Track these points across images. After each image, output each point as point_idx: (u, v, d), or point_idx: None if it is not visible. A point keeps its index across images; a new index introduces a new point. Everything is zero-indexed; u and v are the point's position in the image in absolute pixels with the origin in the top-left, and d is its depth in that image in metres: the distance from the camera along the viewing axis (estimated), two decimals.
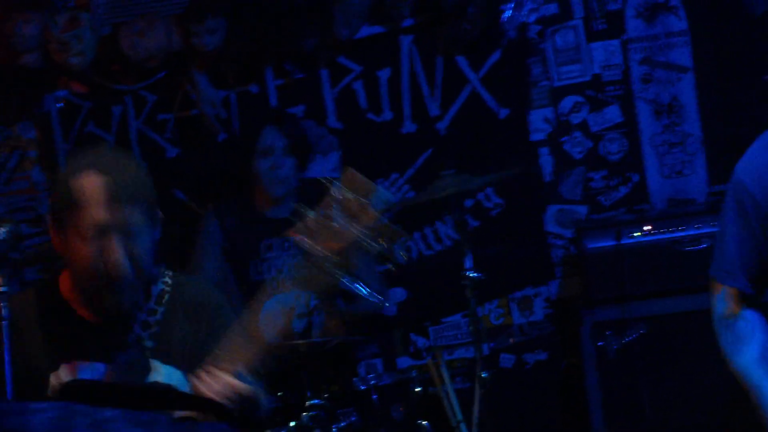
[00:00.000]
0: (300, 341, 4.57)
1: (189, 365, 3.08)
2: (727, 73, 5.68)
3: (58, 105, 5.90)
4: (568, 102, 5.78)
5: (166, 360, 3.18)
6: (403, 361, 5.91)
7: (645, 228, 5.25)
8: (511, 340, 5.89)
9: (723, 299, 3.19)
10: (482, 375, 4.39)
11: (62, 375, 3.08)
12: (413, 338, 5.94)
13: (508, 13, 5.73)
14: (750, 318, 3.16)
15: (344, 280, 3.02)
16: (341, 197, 2.98)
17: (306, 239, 3.09)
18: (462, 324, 5.85)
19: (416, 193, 5.79)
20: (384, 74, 5.83)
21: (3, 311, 2.96)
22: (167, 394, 2.92)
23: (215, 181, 5.71)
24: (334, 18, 5.69)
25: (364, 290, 4.23)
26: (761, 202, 3.07)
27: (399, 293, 5.84)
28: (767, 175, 3.07)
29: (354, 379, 4.52)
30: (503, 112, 5.79)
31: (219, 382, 2.92)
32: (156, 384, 3.08)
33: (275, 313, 4.98)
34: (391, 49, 5.82)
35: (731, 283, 3.15)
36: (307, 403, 4.26)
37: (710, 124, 5.72)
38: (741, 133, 5.55)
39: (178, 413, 2.94)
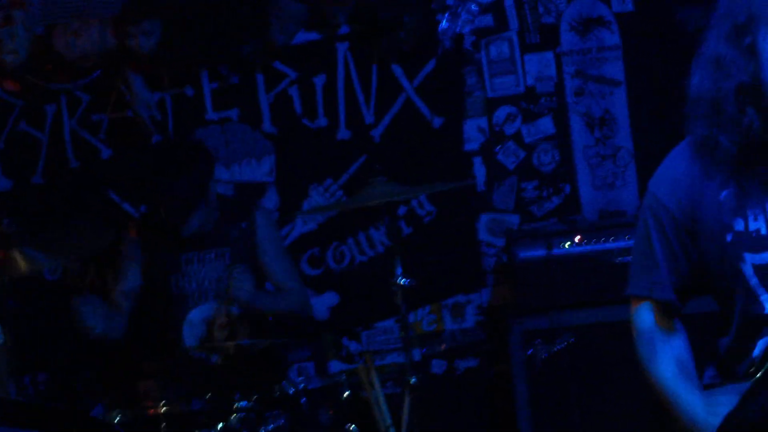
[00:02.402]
0: (229, 343, 4.57)
1: None
2: (658, 88, 5.74)
3: None
4: (501, 113, 5.83)
5: None
6: (335, 365, 5.92)
7: (575, 238, 5.29)
8: (442, 347, 5.92)
9: (645, 314, 3.20)
10: (411, 381, 4.39)
11: None
12: (345, 342, 5.95)
13: (443, 24, 5.77)
14: (671, 332, 3.18)
15: None
16: None
17: None
18: (394, 329, 5.87)
19: (348, 199, 5.81)
20: (319, 80, 5.84)
21: None
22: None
23: (148, 183, 5.69)
24: (271, 23, 5.69)
25: None
26: (677, 215, 3.08)
27: (331, 298, 5.86)
28: (681, 189, 3.07)
29: (283, 382, 4.52)
30: (437, 121, 5.82)
31: None
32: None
33: (197, 323, 5.02)
34: (326, 56, 5.83)
35: (656, 296, 3.16)
36: (236, 405, 4.25)
37: (641, 138, 5.78)
38: (672, 147, 5.63)
39: None
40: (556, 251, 5.26)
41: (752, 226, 2.98)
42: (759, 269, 2.98)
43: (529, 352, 5.22)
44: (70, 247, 4.80)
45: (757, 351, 3.02)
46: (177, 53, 5.78)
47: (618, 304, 4.99)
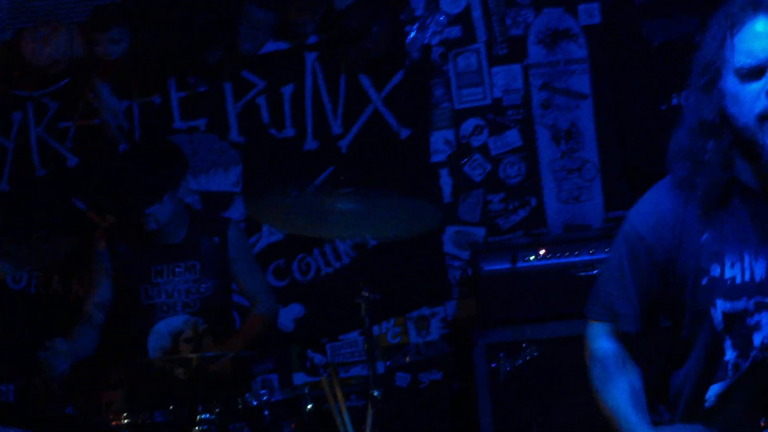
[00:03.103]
0: (192, 355, 4.56)
1: None
2: (624, 102, 5.78)
3: None
4: (469, 125, 5.84)
5: None
6: (300, 377, 5.92)
7: (540, 252, 5.31)
8: (407, 359, 5.92)
9: (604, 340, 3.21)
10: (374, 394, 4.39)
11: None
12: (310, 354, 5.95)
13: (412, 35, 5.78)
14: (627, 362, 3.18)
15: None
16: None
17: None
18: (359, 342, 5.86)
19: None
20: (287, 90, 5.84)
21: None
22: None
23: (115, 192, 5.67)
24: (239, 32, 5.68)
25: None
26: (656, 250, 3.10)
27: (296, 309, 5.85)
28: (666, 226, 3.08)
29: (246, 394, 4.51)
30: (404, 133, 5.83)
31: None
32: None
33: (163, 335, 5.01)
34: (295, 66, 5.83)
35: (617, 325, 3.17)
36: (198, 417, 4.24)
37: (607, 152, 5.81)
38: (638, 162, 5.67)
39: None
40: (520, 264, 5.27)
41: (728, 273, 3.02)
42: (728, 317, 3.02)
43: (493, 365, 5.23)
44: (35, 255, 4.78)
45: (710, 394, 3.05)
46: (145, 61, 5.76)
47: (581, 317, 5.05)
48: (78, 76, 5.81)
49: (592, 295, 3.27)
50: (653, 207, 3.15)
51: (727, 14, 2.97)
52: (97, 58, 5.71)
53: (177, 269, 5.04)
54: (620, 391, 3.13)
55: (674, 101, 5.72)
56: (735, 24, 2.94)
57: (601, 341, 3.21)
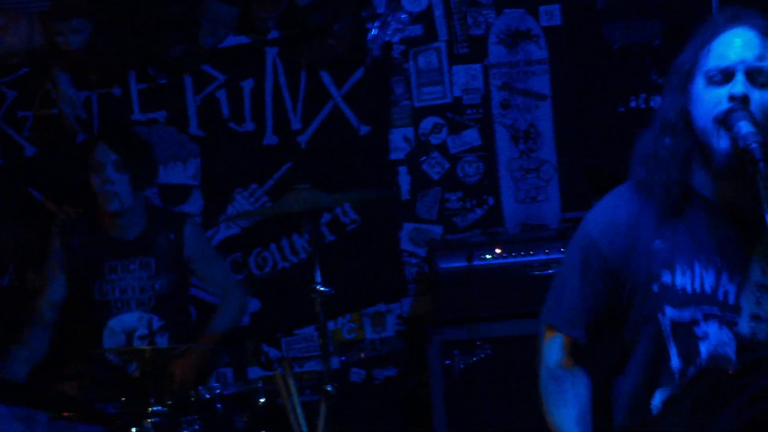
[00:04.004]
0: (146, 347, 4.55)
1: None
2: (583, 104, 5.81)
3: None
4: (428, 123, 5.85)
5: None
6: (255, 371, 5.92)
7: (496, 251, 5.33)
8: (361, 355, 5.93)
9: (556, 348, 3.20)
10: (328, 389, 4.41)
11: None
12: (265, 349, 5.95)
13: (373, 32, 5.79)
14: (577, 374, 3.19)
15: None
16: None
17: None
18: (314, 337, 5.87)
19: (273, 204, 5.81)
20: (248, 85, 5.84)
21: None
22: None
23: (72, 183, 5.65)
24: (201, 26, 5.67)
25: None
26: (608, 256, 3.11)
27: (252, 303, 5.85)
28: (618, 233, 3.09)
29: (199, 387, 4.51)
30: (364, 129, 5.84)
31: None
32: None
33: (117, 332, 5.00)
34: (256, 61, 5.82)
35: (570, 333, 3.16)
36: (150, 409, 4.24)
37: (565, 153, 5.84)
38: (595, 163, 5.70)
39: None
40: (476, 263, 5.29)
41: (678, 281, 3.02)
42: (675, 324, 3.02)
43: (447, 362, 5.25)
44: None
45: (656, 401, 3.07)
46: (105, 52, 5.74)
47: (536, 317, 5.08)
48: (37, 66, 5.78)
49: (547, 298, 3.29)
50: (609, 212, 3.15)
51: (710, 24, 3.00)
52: (56, 48, 5.69)
53: (131, 266, 5.02)
54: (570, 410, 3.14)
55: (632, 104, 5.76)
56: (715, 32, 2.96)
57: (556, 353, 3.21)
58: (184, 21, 5.66)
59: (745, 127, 2.85)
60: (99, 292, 5.01)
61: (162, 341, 4.98)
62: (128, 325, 5.00)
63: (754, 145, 2.82)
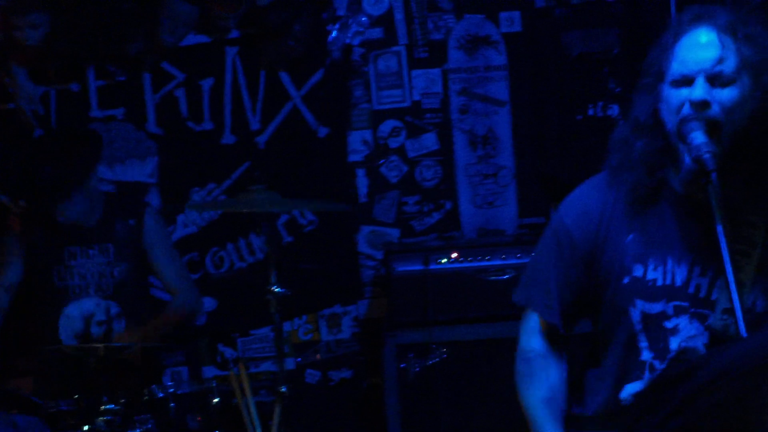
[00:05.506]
0: (99, 344, 4.52)
1: None
2: (542, 110, 5.83)
3: None
4: (387, 126, 5.86)
5: None
6: (210, 371, 5.90)
7: (452, 255, 5.34)
8: (317, 357, 5.93)
9: (529, 331, 3.24)
10: (282, 390, 4.40)
11: None
12: (221, 348, 5.93)
13: (333, 34, 5.79)
14: (549, 358, 3.22)
15: None
16: None
17: None
18: (270, 337, 5.85)
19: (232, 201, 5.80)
20: (207, 83, 5.83)
21: None
22: None
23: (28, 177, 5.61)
24: (160, 23, 5.66)
25: None
26: (579, 243, 3.14)
27: (208, 303, 5.83)
28: (591, 221, 3.13)
29: (153, 385, 4.49)
30: (323, 131, 5.84)
31: None
32: None
33: (74, 318, 4.96)
34: (215, 60, 5.82)
35: (546, 317, 3.20)
36: (103, 407, 4.22)
37: (523, 159, 5.86)
38: (552, 170, 5.73)
39: None
40: (432, 267, 5.30)
41: (650, 275, 3.06)
42: (646, 317, 3.06)
43: (402, 365, 5.26)
44: None
45: (624, 394, 3.09)
46: (64, 48, 5.72)
47: (491, 321, 5.15)
48: None
49: (521, 280, 3.31)
50: (582, 200, 3.20)
51: (677, 23, 3.04)
52: (14, 42, 5.65)
53: (90, 251, 4.99)
54: (537, 391, 3.16)
55: (590, 112, 5.79)
56: (679, 33, 3.00)
57: (530, 337, 3.24)
58: (144, 18, 5.65)
59: (697, 137, 2.90)
60: (58, 277, 4.98)
61: (119, 327, 4.94)
62: (86, 310, 4.95)
63: (706, 156, 2.86)
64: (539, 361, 3.22)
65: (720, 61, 2.94)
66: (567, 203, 3.24)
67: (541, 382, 3.18)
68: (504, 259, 5.30)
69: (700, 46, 2.96)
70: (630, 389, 3.08)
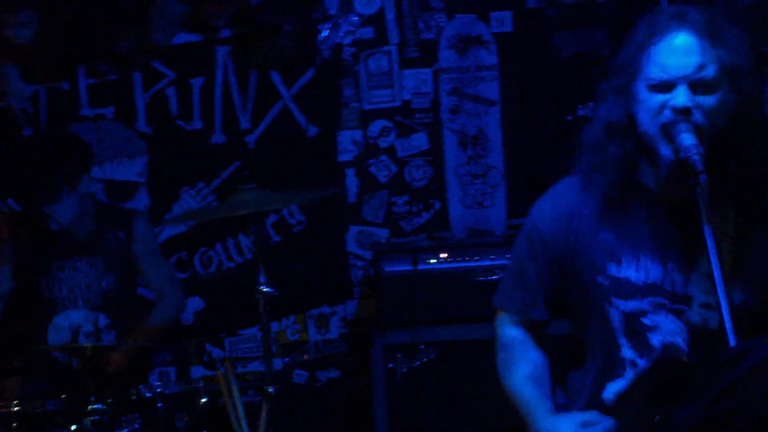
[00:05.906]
0: (87, 344, 4.52)
1: None
2: (532, 111, 5.83)
3: None
4: (376, 126, 5.86)
5: None
6: (198, 371, 5.90)
7: (441, 255, 5.33)
8: (305, 357, 5.93)
9: (508, 323, 3.25)
10: (269, 390, 4.40)
11: None
12: (209, 348, 5.93)
13: (324, 34, 5.79)
14: (528, 342, 3.22)
15: None
16: None
17: None
18: (258, 337, 5.86)
19: (219, 204, 5.79)
20: (197, 82, 5.82)
21: None
22: None
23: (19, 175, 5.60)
24: (151, 22, 5.66)
25: None
26: (551, 245, 3.15)
27: (196, 302, 5.83)
28: (561, 222, 3.13)
29: (140, 385, 4.48)
30: (313, 131, 5.84)
31: None
32: None
33: (63, 327, 4.96)
34: (206, 59, 5.82)
35: (533, 315, 3.20)
36: (90, 407, 4.21)
37: (513, 159, 5.86)
38: (542, 171, 5.73)
39: None
40: (421, 267, 5.29)
41: (624, 272, 3.06)
42: (623, 315, 3.06)
43: (390, 365, 5.26)
44: None
45: (607, 393, 3.09)
46: (54, 46, 5.71)
47: (479, 321, 5.14)
48: None
49: (500, 285, 3.31)
50: (553, 201, 3.20)
51: (651, 22, 3.01)
52: (4, 40, 5.64)
53: (78, 263, 4.99)
54: (521, 374, 3.16)
55: (580, 112, 5.79)
56: (655, 34, 2.97)
57: (508, 328, 3.24)
58: (135, 17, 5.65)
59: (687, 139, 2.89)
60: (46, 287, 4.97)
61: (108, 339, 4.94)
62: (74, 322, 4.96)
63: (695, 157, 2.86)
64: (519, 346, 3.22)
65: (701, 67, 2.92)
66: (538, 205, 3.24)
67: (524, 362, 3.18)
68: (493, 259, 5.30)
69: (681, 51, 2.94)
70: (612, 388, 3.08)
